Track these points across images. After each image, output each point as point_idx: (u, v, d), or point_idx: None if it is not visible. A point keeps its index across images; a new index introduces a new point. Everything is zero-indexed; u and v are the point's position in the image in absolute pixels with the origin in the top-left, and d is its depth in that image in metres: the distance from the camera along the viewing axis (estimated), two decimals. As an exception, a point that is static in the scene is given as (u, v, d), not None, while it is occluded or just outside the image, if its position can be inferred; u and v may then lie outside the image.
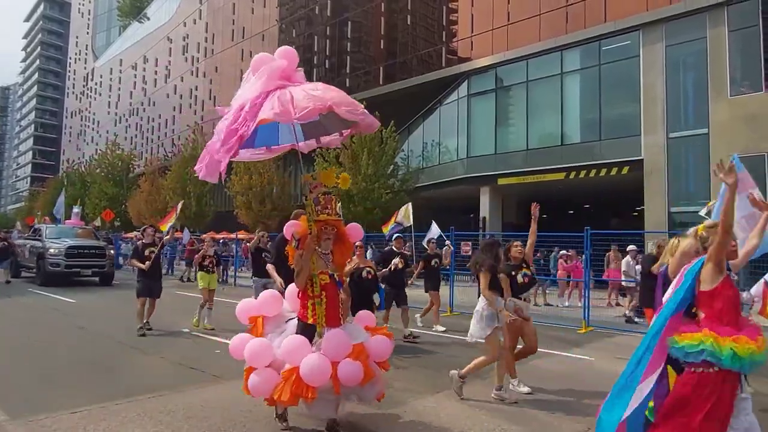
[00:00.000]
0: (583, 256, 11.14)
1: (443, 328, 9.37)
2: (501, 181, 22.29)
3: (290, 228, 4.28)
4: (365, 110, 3.92)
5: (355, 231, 4.38)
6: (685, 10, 17.42)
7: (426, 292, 10.12)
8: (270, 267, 8.85)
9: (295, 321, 4.04)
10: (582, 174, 19.69)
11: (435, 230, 12.31)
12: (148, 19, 60.21)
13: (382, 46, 30.90)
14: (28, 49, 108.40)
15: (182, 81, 52.13)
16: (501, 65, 23.11)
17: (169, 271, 23.37)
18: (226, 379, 5.65)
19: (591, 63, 20.24)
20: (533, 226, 5.83)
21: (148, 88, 59.51)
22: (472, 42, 24.94)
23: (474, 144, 24.03)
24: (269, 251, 9.21)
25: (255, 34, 41.33)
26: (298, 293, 3.99)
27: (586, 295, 10.58)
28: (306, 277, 3.80)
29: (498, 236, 20.71)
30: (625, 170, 18.48)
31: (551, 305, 13.81)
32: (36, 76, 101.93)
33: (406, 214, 12.28)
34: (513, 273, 5.51)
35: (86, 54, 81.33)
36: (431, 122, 27.23)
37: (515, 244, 5.85)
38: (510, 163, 22.31)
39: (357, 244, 6.69)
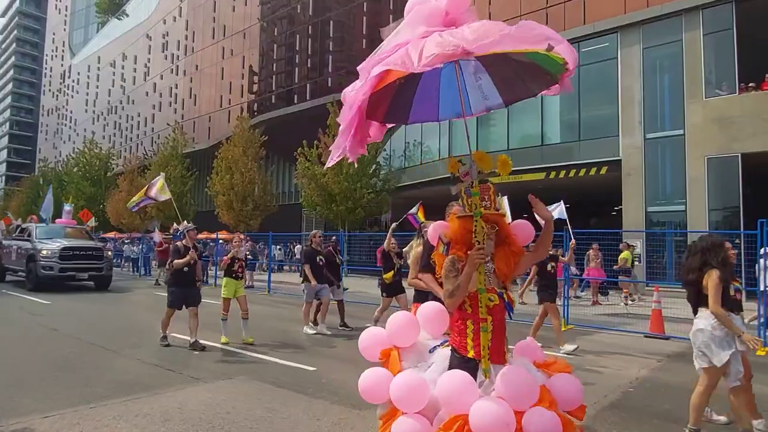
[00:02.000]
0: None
1: (574, 346, 7.63)
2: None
3: (437, 229, 3.32)
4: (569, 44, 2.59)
5: (523, 230, 3.21)
6: (662, 13, 17.73)
7: (540, 303, 8.05)
8: (306, 267, 8.77)
9: (444, 352, 2.95)
10: (561, 174, 19.92)
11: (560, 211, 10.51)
12: (127, 15, 59.28)
13: (364, 46, 30.89)
14: (3, 46, 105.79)
15: (162, 79, 51.44)
16: (482, 66, 23.24)
17: (146, 271, 23.06)
18: (204, 381, 5.59)
19: (570, 64, 20.46)
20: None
21: (126, 86, 58.60)
22: (453, 42, 25.06)
23: (456, 144, 24.15)
24: (323, 253, 9.17)
25: (236, 32, 40.98)
26: (453, 316, 2.92)
27: (566, 293, 10.71)
28: (464, 295, 2.73)
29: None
30: (603, 170, 18.75)
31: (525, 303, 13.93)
32: (11, 73, 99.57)
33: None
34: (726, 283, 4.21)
35: (63, 51, 79.75)
36: (413, 122, 27.30)
37: (729, 246, 4.44)
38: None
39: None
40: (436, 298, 4.85)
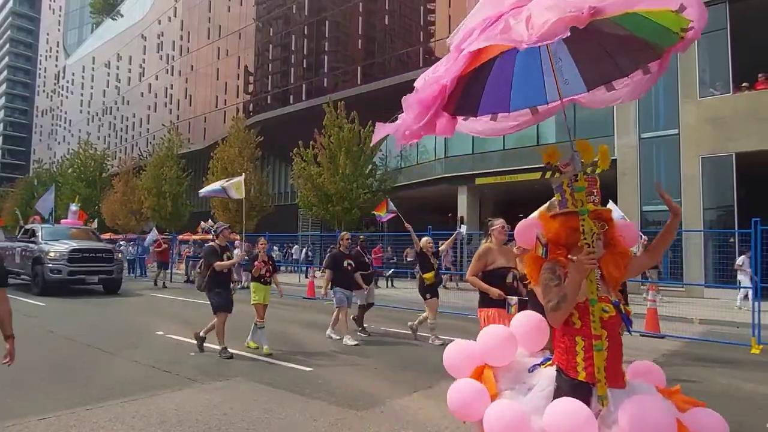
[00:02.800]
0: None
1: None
2: (479, 181, 22.49)
3: (528, 229, 2.85)
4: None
5: (629, 230, 2.79)
6: (657, 13, 17.77)
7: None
8: (327, 273, 8.23)
9: (547, 373, 2.47)
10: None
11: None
12: (122, 16, 59.09)
13: (359, 46, 30.90)
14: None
15: (157, 79, 51.31)
16: (478, 66, 23.30)
17: (142, 273, 22.98)
18: (200, 383, 5.58)
19: (566, 64, 20.55)
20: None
21: (121, 86, 58.41)
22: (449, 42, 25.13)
23: (452, 144, 24.18)
24: (352, 255, 8.58)
25: (231, 32, 40.92)
26: (554, 330, 2.45)
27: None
28: (572, 307, 2.27)
29: (475, 236, 20.95)
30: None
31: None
32: (5, 73, 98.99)
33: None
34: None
35: (57, 51, 79.42)
36: (409, 122, 27.34)
37: None
38: (487, 163, 22.52)
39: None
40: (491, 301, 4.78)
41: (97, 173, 43.18)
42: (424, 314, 8.31)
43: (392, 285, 18.89)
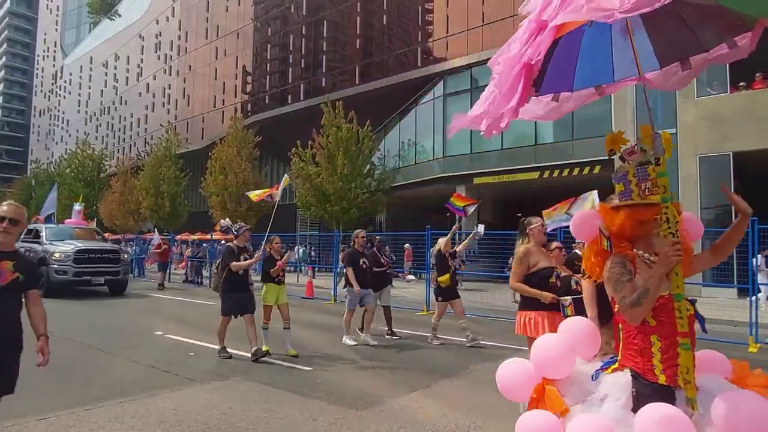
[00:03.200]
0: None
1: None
2: (477, 181, 22.52)
3: (587, 222, 2.59)
4: None
5: (694, 225, 2.63)
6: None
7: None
8: (349, 271, 7.95)
9: (616, 379, 2.22)
10: (555, 173, 20.03)
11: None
12: (120, 16, 58.98)
13: (358, 46, 30.89)
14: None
15: (155, 79, 51.25)
16: (476, 65, 23.32)
17: (140, 273, 22.96)
18: (199, 383, 5.59)
19: (564, 64, 20.60)
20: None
21: (119, 86, 58.32)
22: (447, 42, 25.13)
23: (450, 144, 24.21)
24: (367, 255, 8.35)
25: (229, 32, 40.88)
26: (625, 331, 2.22)
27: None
28: (653, 302, 2.08)
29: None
30: (596, 169, 18.86)
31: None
32: (2, 73, 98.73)
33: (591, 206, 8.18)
34: None
35: (55, 51, 79.24)
36: (407, 122, 27.35)
37: None
38: (485, 163, 22.55)
39: (554, 245, 5.36)
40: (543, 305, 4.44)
41: (95, 173, 43.12)
42: (462, 321, 7.95)
43: (391, 285, 18.87)
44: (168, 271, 19.14)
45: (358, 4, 30.40)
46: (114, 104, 58.99)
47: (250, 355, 6.67)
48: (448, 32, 25.15)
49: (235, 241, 7.05)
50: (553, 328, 4.00)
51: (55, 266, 13.25)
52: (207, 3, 43.94)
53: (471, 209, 10.53)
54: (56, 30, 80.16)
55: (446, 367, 6.52)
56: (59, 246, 13.78)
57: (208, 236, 24.65)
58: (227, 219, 7.78)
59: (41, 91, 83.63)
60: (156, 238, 19.18)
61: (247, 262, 6.92)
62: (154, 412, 4.58)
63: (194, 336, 8.28)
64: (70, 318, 10.44)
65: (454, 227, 8.72)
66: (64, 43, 77.16)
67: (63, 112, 73.07)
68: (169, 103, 48.96)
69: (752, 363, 2.29)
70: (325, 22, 32.63)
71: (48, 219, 20.42)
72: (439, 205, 26.10)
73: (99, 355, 7.00)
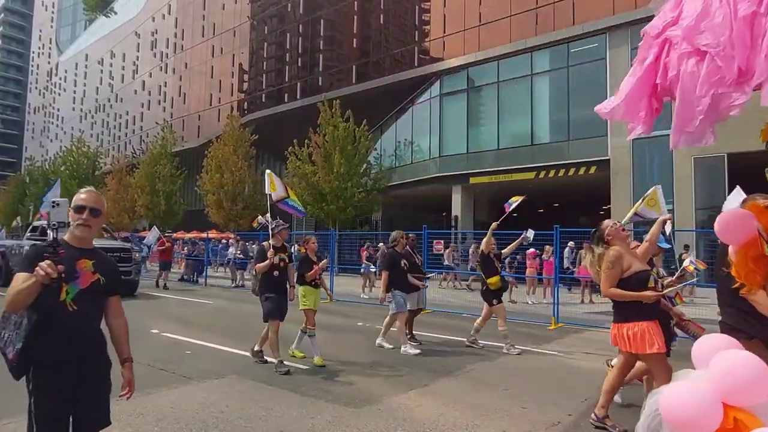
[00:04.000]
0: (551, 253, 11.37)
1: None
2: (473, 180, 22.56)
3: (739, 223, 2.31)
4: None
5: None
6: (649, 14, 17.83)
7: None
8: (385, 275, 7.54)
9: None
10: (551, 173, 20.08)
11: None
12: (115, 13, 58.67)
13: (354, 45, 30.88)
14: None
15: (151, 77, 51.07)
16: (472, 66, 23.37)
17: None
18: (196, 381, 5.59)
19: (560, 65, 20.66)
20: None
21: (115, 83, 58.08)
22: (444, 42, 25.15)
23: (446, 143, 24.23)
24: (409, 257, 7.85)
25: (226, 30, 40.78)
26: None
27: (556, 292, 10.83)
28: None
29: (470, 235, 21.02)
30: (592, 170, 18.93)
31: (515, 302, 14.06)
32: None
33: (654, 202, 7.95)
34: None
35: (50, 48, 78.82)
36: (404, 121, 27.36)
37: None
38: (481, 163, 22.59)
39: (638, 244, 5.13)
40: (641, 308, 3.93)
41: (90, 171, 42.90)
42: (477, 322, 7.80)
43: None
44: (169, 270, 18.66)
45: (356, 3, 30.38)
46: (109, 102, 58.73)
47: (255, 357, 6.33)
48: (444, 32, 25.17)
49: (271, 240, 6.43)
50: (660, 337, 3.91)
51: None
52: (203, 1, 43.81)
53: (515, 204, 9.71)
54: (51, 27, 79.71)
55: (444, 366, 6.53)
56: None
57: (204, 234, 24.58)
58: (267, 215, 7.11)
59: (36, 88, 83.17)
60: (155, 233, 18.64)
61: (266, 263, 6.17)
62: (152, 410, 4.57)
63: (191, 335, 8.27)
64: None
65: (493, 224, 8.09)
66: (60, 40, 76.75)
67: (58, 110, 72.69)
68: (165, 101, 48.79)
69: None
70: (322, 20, 32.59)
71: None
72: (435, 204, 26.24)
73: (95, 354, 6.97)
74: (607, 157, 18.54)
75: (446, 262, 18.04)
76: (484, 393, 5.37)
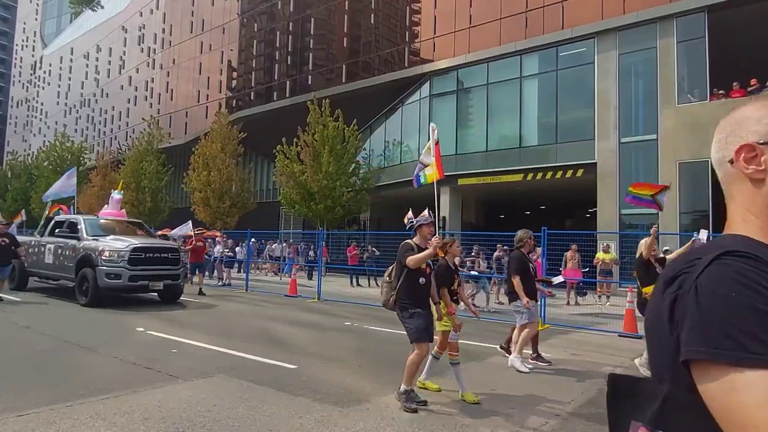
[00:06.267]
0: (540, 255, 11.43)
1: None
2: (461, 182, 22.64)
3: None
4: None
5: None
6: (637, 20, 18.16)
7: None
8: (516, 280, 6.55)
9: None
10: (539, 176, 20.23)
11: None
12: (102, 7, 57.94)
13: (344, 45, 30.82)
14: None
15: (137, 72, 50.46)
16: (462, 67, 23.46)
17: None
18: (183, 379, 5.54)
19: (549, 68, 20.82)
20: None
21: (100, 78, 57.30)
22: (434, 43, 25.21)
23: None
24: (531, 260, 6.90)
25: (215, 26, 40.46)
26: None
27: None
28: None
29: (457, 236, 21.09)
30: (579, 173, 19.11)
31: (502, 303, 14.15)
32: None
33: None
34: None
35: (34, 41, 77.49)
36: (393, 121, 27.38)
37: None
38: (470, 164, 22.68)
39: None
40: None
41: (74, 166, 42.31)
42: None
43: (376, 284, 18.92)
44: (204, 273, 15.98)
45: (346, 2, 30.32)
46: (95, 96, 57.93)
47: (396, 395, 4.95)
48: (435, 33, 25.23)
49: (414, 239, 5.25)
50: None
51: (105, 268, 10.76)
52: (192, -4, 43.43)
53: (664, 198, 8.10)
54: (36, 19, 78.41)
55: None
56: (108, 243, 11.21)
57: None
58: (410, 212, 6.37)
59: (19, 81, 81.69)
60: (184, 229, 16.45)
61: (426, 254, 4.95)
62: (137, 409, 4.52)
63: (177, 333, 8.19)
64: (45, 313, 10.25)
65: (654, 228, 7.18)
66: (44, 33, 75.50)
67: (42, 104, 71.50)
68: (151, 97, 48.25)
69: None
70: (312, 19, 32.48)
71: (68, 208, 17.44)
72: (424, 205, 26.18)
73: (79, 351, 6.87)
74: (594, 161, 18.73)
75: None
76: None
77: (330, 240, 21.67)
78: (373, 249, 19.29)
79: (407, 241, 5.25)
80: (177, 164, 36.13)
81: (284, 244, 23.61)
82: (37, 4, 78.67)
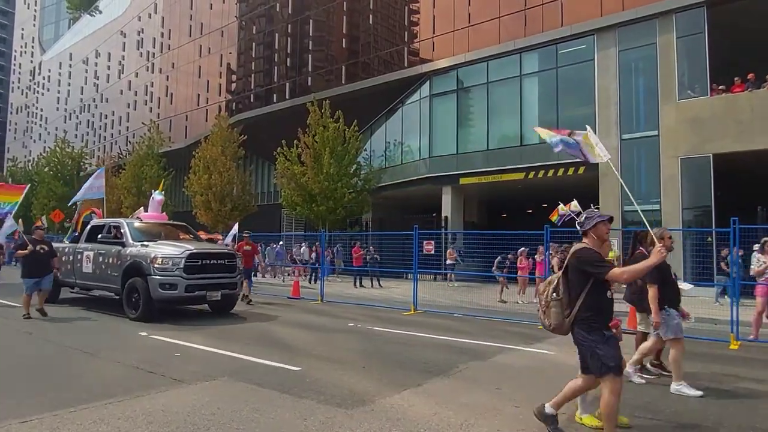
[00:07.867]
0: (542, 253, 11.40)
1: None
2: (462, 181, 22.61)
3: None
4: None
5: None
6: (637, 16, 18.12)
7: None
8: (653, 290, 5.55)
9: None
10: (540, 174, 20.19)
11: None
12: (100, 12, 58.03)
13: (344, 46, 30.81)
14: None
15: (137, 77, 50.51)
16: (462, 66, 23.44)
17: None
18: (187, 383, 5.51)
19: (548, 66, 20.79)
20: None
21: (100, 83, 57.37)
22: (433, 43, 25.18)
23: (436, 144, 24.26)
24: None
25: (213, 30, 40.47)
26: None
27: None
28: None
29: (460, 235, 21.06)
30: (581, 170, 19.06)
31: (505, 302, 14.11)
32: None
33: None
34: None
35: (33, 47, 77.65)
36: (393, 122, 27.35)
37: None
38: (471, 163, 22.65)
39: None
40: None
41: (74, 172, 42.39)
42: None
43: (379, 285, 18.87)
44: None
45: (344, 3, 30.31)
46: (94, 102, 57.99)
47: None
48: (434, 33, 25.19)
49: (585, 240, 4.14)
50: None
51: (159, 277, 9.60)
52: (190, 0, 43.46)
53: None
54: (34, 25, 78.57)
55: (436, 366, 6.51)
56: (160, 249, 10.03)
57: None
58: (562, 205, 5.66)
59: (18, 87, 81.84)
60: (232, 233, 15.79)
61: (646, 264, 3.94)
62: (141, 414, 4.49)
63: (180, 337, 8.16)
64: (46, 320, 10.21)
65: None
66: (43, 39, 75.66)
67: (41, 110, 71.62)
68: (151, 101, 48.28)
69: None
70: (311, 21, 32.47)
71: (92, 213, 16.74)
72: (425, 205, 26.21)
73: (81, 356, 6.85)
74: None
75: (449, 261, 18.37)
76: (477, 392, 5.35)
77: (332, 241, 21.63)
78: (376, 256, 19.16)
79: (585, 246, 4.06)
80: (177, 168, 36.14)
81: (308, 247, 22.45)
82: (35, 10, 78.84)
